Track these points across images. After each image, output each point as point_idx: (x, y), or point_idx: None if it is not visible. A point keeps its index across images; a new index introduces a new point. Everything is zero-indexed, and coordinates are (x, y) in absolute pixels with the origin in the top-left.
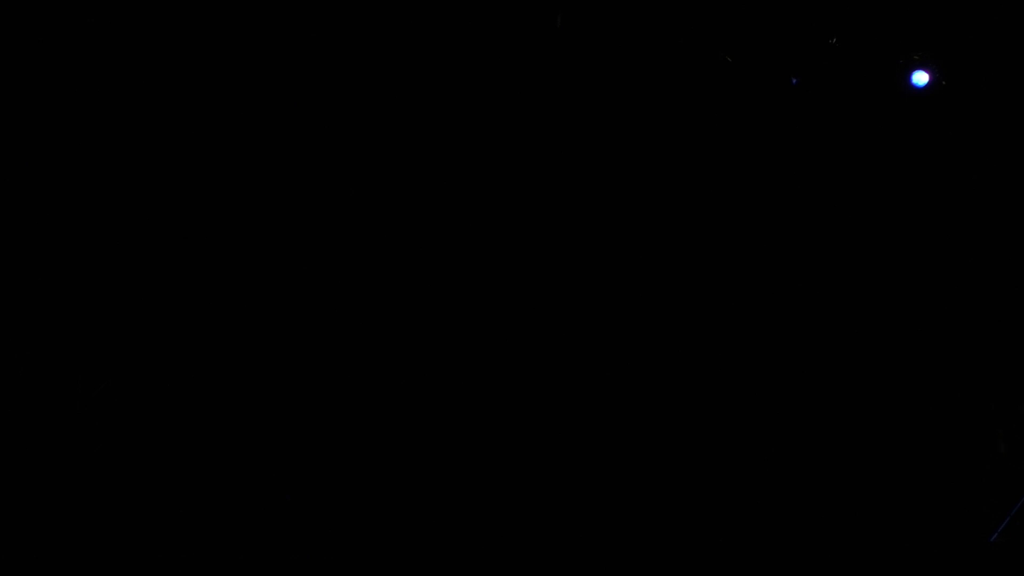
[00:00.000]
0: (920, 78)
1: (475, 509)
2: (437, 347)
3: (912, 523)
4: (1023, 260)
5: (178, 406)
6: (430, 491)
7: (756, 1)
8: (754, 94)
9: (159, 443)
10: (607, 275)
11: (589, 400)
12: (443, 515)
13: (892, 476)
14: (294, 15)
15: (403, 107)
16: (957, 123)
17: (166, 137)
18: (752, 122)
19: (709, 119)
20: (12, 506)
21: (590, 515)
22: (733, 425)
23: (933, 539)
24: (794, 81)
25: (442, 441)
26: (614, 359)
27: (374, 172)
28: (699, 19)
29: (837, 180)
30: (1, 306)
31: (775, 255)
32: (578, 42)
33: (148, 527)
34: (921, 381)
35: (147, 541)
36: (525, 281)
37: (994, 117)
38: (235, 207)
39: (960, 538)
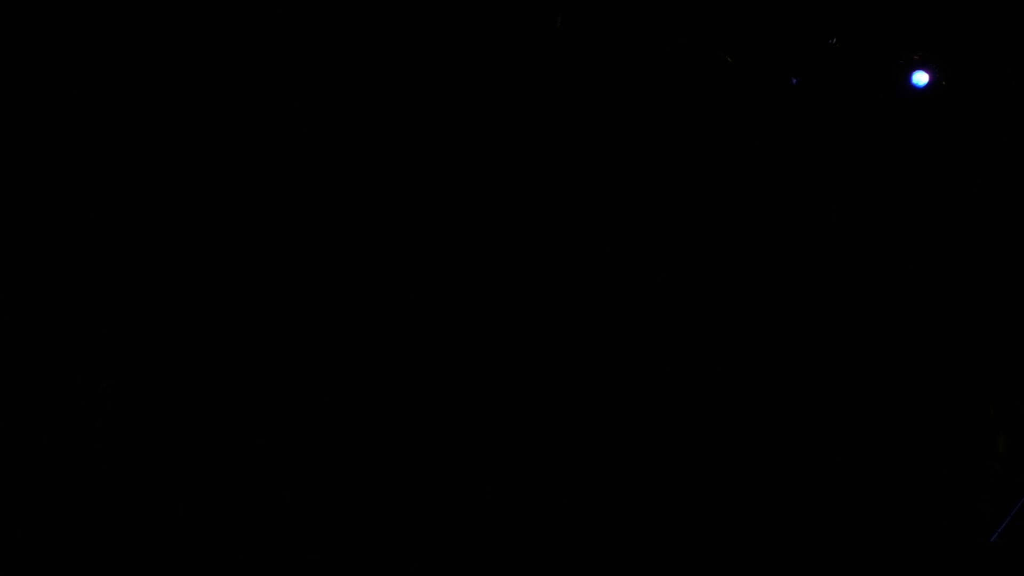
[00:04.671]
0: (920, 78)
1: (475, 509)
2: (437, 347)
3: (912, 523)
4: (1023, 260)
5: (179, 405)
6: (430, 491)
7: (756, 1)
8: (754, 94)
9: (159, 442)
10: (607, 275)
11: (589, 400)
12: (443, 515)
13: (892, 476)
14: (294, 15)
15: (403, 107)
16: (957, 123)
17: (166, 137)
18: (752, 122)
19: (709, 119)
20: (12, 506)
21: (590, 515)
22: (733, 425)
23: (933, 539)
24: (794, 81)
25: (442, 441)
26: (614, 359)
27: (374, 172)
28: (699, 19)
29: (837, 180)
30: (1, 306)
31: (775, 255)
32: (578, 42)
33: (148, 527)
34: (921, 381)
35: (147, 541)
36: (525, 281)
37: (994, 117)
38: (235, 207)
39: (960, 538)
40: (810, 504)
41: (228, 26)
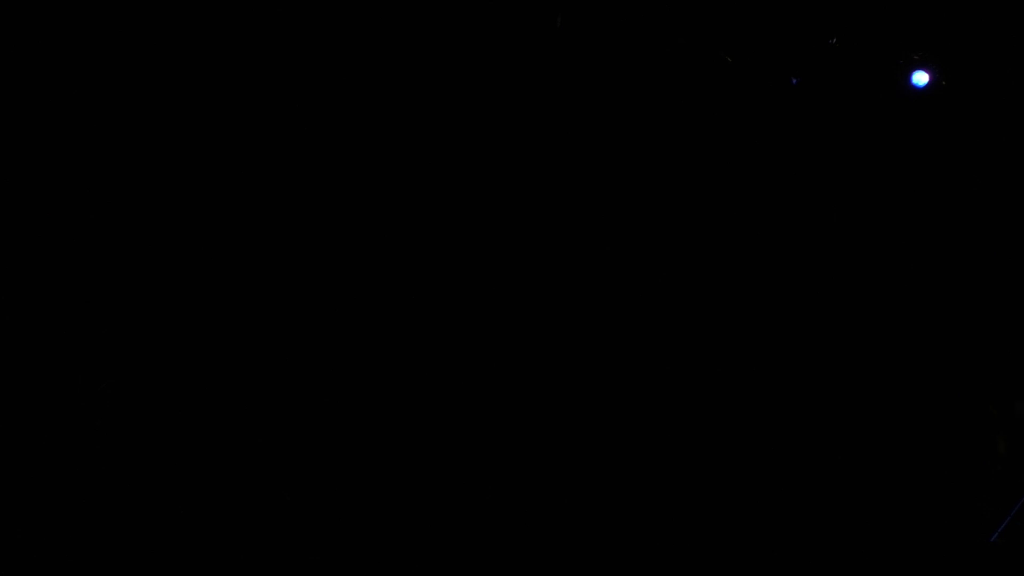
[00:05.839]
0: (920, 78)
1: (475, 509)
2: (437, 347)
3: (912, 523)
4: (1023, 260)
5: (179, 405)
6: (429, 491)
7: (756, 1)
8: (754, 94)
9: (159, 442)
10: (607, 275)
11: (589, 400)
12: (443, 515)
13: (892, 476)
14: (294, 15)
15: (403, 107)
16: (957, 123)
17: (166, 137)
18: (752, 122)
19: (709, 119)
20: (12, 506)
21: (590, 515)
22: (733, 425)
23: (933, 539)
24: (794, 81)
25: (442, 441)
26: (614, 359)
27: (374, 172)
28: (699, 19)
29: (837, 180)
30: (1, 306)
31: (775, 255)
32: (578, 42)
33: (148, 527)
34: (921, 382)
35: (147, 541)
36: (525, 281)
37: (994, 117)
38: (235, 207)
39: (960, 538)
40: (810, 504)
41: (228, 26)
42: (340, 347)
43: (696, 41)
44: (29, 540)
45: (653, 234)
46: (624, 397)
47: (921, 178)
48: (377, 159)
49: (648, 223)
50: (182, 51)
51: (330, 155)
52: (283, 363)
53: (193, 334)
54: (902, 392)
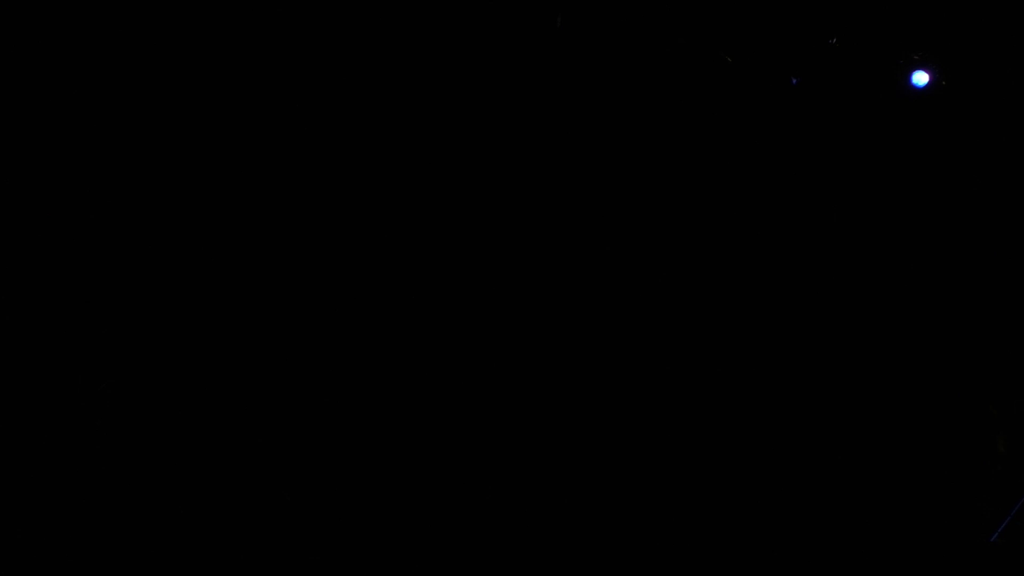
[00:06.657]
0: (920, 78)
1: (475, 509)
2: (437, 347)
3: (912, 523)
4: (1023, 260)
5: (179, 405)
6: (430, 491)
7: (756, 1)
8: (754, 94)
9: (159, 442)
10: (607, 275)
11: (589, 400)
12: (443, 515)
13: (892, 476)
14: (294, 15)
15: (403, 107)
16: (957, 123)
17: (166, 137)
18: (752, 122)
19: (709, 119)
20: (12, 506)
21: (590, 515)
22: (733, 425)
23: (933, 539)
24: (794, 81)
25: (442, 441)
26: (614, 359)
27: (374, 172)
28: (699, 19)
29: (837, 180)
30: (1, 306)
31: (775, 255)
32: (578, 42)
33: (148, 527)
34: (921, 382)
35: (147, 541)
36: (525, 281)
37: (994, 117)
38: (235, 207)
39: (960, 538)
40: (810, 504)
41: (228, 26)
42: (340, 347)
43: (696, 41)
44: (29, 540)
45: (653, 234)
46: (624, 397)
47: (921, 178)
48: (377, 159)
49: (648, 223)
50: (182, 51)
51: (330, 155)
52: (283, 363)
53: (193, 334)
54: (901, 392)
